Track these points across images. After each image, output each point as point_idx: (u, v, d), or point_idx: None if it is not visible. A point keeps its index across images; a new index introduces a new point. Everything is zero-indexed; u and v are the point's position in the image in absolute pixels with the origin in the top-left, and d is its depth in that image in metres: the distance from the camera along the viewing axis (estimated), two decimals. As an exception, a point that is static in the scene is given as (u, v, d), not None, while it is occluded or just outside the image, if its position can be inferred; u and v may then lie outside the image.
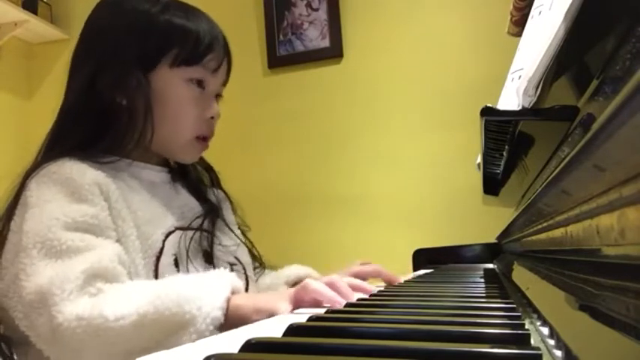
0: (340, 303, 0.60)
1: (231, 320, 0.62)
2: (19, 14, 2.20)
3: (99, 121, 0.83)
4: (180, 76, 0.84)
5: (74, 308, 0.62)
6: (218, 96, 0.92)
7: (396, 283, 0.93)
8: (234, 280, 0.67)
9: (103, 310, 0.62)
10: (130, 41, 0.83)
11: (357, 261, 1.02)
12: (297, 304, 0.62)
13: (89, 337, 0.61)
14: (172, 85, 0.84)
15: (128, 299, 0.63)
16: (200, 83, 0.85)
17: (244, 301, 0.64)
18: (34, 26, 2.29)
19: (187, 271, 0.80)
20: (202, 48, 0.84)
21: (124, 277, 0.69)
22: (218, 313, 0.61)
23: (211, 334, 0.59)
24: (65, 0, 2.40)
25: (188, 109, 0.85)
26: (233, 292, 0.65)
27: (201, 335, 0.59)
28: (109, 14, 0.86)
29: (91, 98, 0.82)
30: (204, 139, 0.89)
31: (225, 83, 0.92)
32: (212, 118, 0.88)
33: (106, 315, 0.61)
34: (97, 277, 0.66)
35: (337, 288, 0.62)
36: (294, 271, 1.03)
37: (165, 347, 0.59)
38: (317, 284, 0.62)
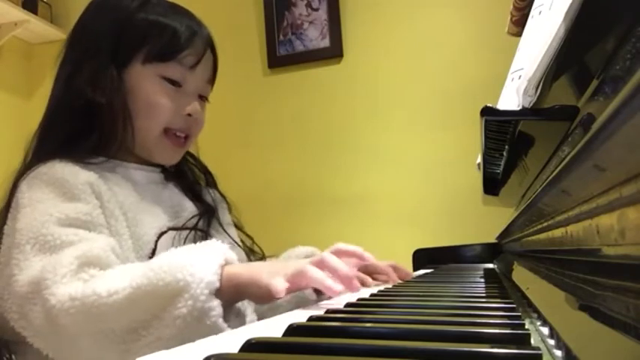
0: (336, 292, 0.60)
1: (226, 290, 0.61)
2: (19, 14, 2.20)
3: (81, 121, 0.82)
4: (154, 72, 0.82)
5: (67, 289, 0.61)
6: (203, 98, 0.90)
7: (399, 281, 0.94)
8: (227, 251, 0.64)
9: (95, 288, 0.61)
10: (105, 39, 0.82)
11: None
12: (293, 286, 0.62)
13: (84, 316, 0.60)
14: (145, 81, 0.82)
15: (121, 276, 0.62)
16: (176, 80, 0.84)
17: (239, 270, 0.63)
18: (34, 26, 2.29)
19: None
20: (178, 44, 0.82)
21: (117, 267, 0.68)
22: (213, 278, 0.59)
23: (207, 298, 0.58)
24: (65, 0, 2.40)
25: (161, 103, 0.83)
26: (226, 263, 0.63)
27: (196, 301, 0.57)
28: (93, 14, 0.87)
29: (70, 98, 0.82)
30: (178, 137, 0.86)
31: (210, 82, 0.90)
32: (190, 115, 0.86)
33: (99, 292, 0.60)
34: (90, 264, 0.65)
35: (333, 268, 0.62)
36: (299, 251, 1.03)
37: (163, 319, 0.59)
38: (315, 272, 0.61)
